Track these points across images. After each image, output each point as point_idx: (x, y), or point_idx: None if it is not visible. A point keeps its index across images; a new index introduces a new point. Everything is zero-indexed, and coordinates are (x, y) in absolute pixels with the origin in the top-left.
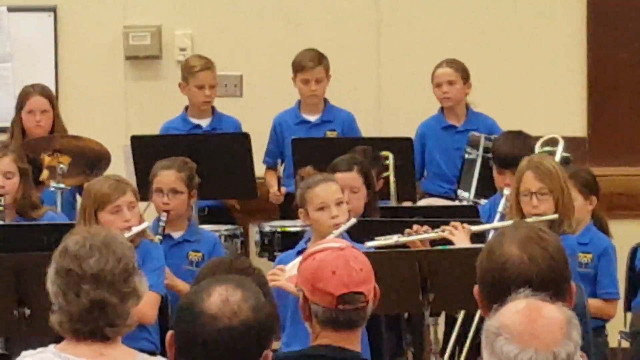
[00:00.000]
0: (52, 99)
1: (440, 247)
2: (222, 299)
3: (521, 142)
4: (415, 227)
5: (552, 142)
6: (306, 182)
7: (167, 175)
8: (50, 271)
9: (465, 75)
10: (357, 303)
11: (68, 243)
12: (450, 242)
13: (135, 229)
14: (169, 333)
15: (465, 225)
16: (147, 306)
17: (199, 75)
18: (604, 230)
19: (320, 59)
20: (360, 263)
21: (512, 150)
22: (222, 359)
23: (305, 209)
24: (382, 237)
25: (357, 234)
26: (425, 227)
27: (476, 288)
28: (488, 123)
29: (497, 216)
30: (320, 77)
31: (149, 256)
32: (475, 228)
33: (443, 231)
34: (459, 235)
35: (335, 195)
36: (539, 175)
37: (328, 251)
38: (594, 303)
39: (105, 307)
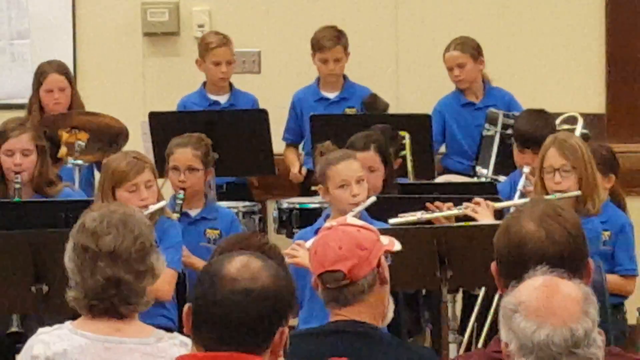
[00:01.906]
0: (70, 76)
1: (459, 224)
2: (243, 264)
3: (543, 122)
4: (437, 203)
5: (572, 120)
6: (327, 158)
7: (183, 153)
8: (68, 247)
9: (475, 53)
10: (337, 282)
11: (86, 219)
12: (473, 219)
13: (152, 207)
14: (186, 306)
15: (489, 202)
16: (163, 283)
17: (216, 51)
18: (621, 207)
19: (338, 37)
20: (340, 241)
21: (533, 129)
22: (238, 323)
23: (326, 185)
24: (406, 214)
25: (376, 211)
26: (448, 204)
27: (493, 265)
28: (506, 98)
29: (517, 194)
30: (339, 56)
31: (166, 233)
32: (498, 205)
33: (466, 208)
34: (483, 212)
35: (357, 173)
36: (563, 151)
37: (320, 233)
38: (612, 280)
39: (120, 284)
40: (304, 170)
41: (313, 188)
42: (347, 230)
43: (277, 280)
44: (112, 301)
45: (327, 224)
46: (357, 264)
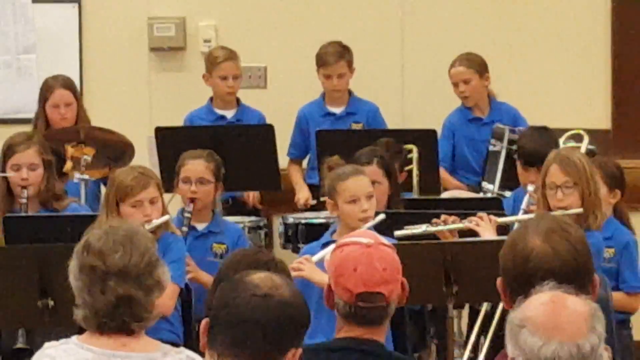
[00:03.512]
0: (76, 91)
1: (463, 240)
2: (266, 276)
3: (546, 139)
4: (443, 217)
5: (577, 137)
6: (336, 173)
7: (195, 165)
8: (73, 267)
9: (480, 68)
10: (376, 302)
11: (90, 238)
12: (477, 234)
13: (155, 222)
14: (204, 320)
15: (492, 216)
16: (164, 297)
17: (222, 65)
18: (625, 223)
19: (342, 53)
20: (385, 262)
21: (537, 147)
22: (254, 325)
23: (334, 200)
24: (411, 227)
25: (381, 225)
26: (454, 218)
27: (499, 280)
28: (512, 113)
29: (521, 213)
30: (342, 72)
31: (170, 248)
32: (502, 220)
33: (470, 222)
34: (485, 227)
35: (367, 189)
36: (565, 168)
37: (356, 246)
38: (617, 297)
39: (131, 302)
40: (310, 202)
41: (322, 199)
42: (387, 251)
43: (297, 296)
44: (123, 319)
45: (351, 238)
46: (395, 289)
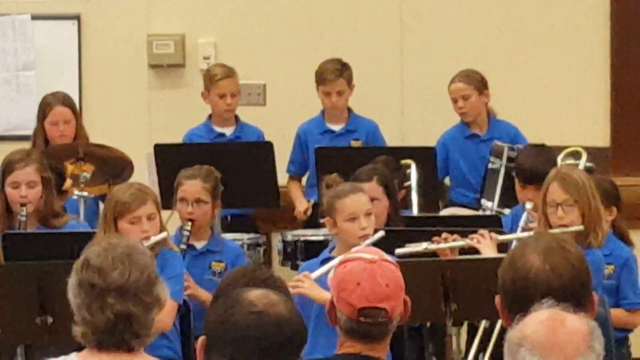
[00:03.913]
0: (74, 108)
1: (463, 257)
2: (263, 293)
3: (544, 157)
4: (444, 235)
5: (576, 154)
6: (335, 191)
7: (192, 185)
8: (72, 284)
9: (480, 85)
10: (378, 318)
11: (89, 255)
12: (478, 251)
13: (154, 239)
14: (201, 338)
15: (493, 234)
16: (163, 314)
17: (221, 83)
18: (624, 239)
19: (341, 70)
20: (388, 279)
21: (535, 165)
22: (251, 344)
23: (333, 218)
24: (411, 245)
25: (381, 243)
26: (455, 236)
27: (497, 298)
28: (511, 131)
29: (519, 230)
30: (341, 89)
31: (167, 264)
32: (502, 237)
33: (470, 239)
34: (486, 244)
35: (365, 207)
36: (565, 186)
37: (359, 261)
38: (616, 313)
39: (130, 319)
40: (309, 212)
41: (321, 221)
42: (391, 268)
43: (293, 314)
44: (122, 336)
45: (355, 254)
46: (397, 305)
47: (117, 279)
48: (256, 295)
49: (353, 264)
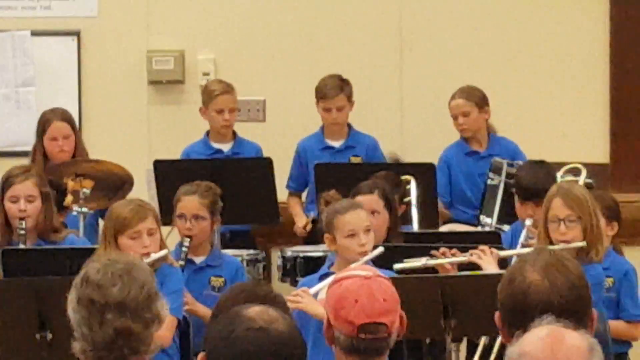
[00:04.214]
0: (73, 123)
1: (464, 273)
2: (262, 309)
3: (544, 173)
4: (443, 250)
5: (575, 170)
6: (334, 207)
7: (190, 201)
8: (72, 299)
9: (480, 102)
10: (378, 333)
11: (89, 271)
12: (477, 267)
13: (154, 256)
14: (201, 354)
15: (494, 250)
16: (163, 329)
17: (218, 99)
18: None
19: (341, 86)
20: (385, 293)
21: (535, 181)
22: None
23: (333, 234)
24: (410, 260)
25: (380, 258)
26: (454, 251)
27: (497, 314)
28: (511, 147)
29: (519, 247)
30: (341, 105)
31: (168, 280)
32: (503, 253)
33: (471, 255)
34: (487, 260)
35: (365, 223)
36: (568, 202)
37: (354, 279)
38: (617, 325)
39: (130, 335)
40: (308, 227)
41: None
42: (386, 283)
43: (293, 330)
44: (121, 352)
45: (349, 272)
46: (395, 320)
47: (116, 295)
48: (256, 312)
49: (348, 281)
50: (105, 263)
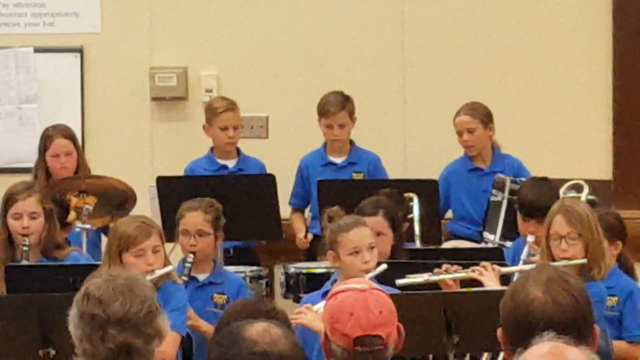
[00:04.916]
0: (75, 140)
1: (465, 290)
2: (264, 328)
3: (547, 190)
4: (445, 266)
5: (577, 187)
6: (338, 224)
7: (193, 217)
8: (73, 315)
9: (485, 119)
10: (374, 346)
11: (90, 287)
12: (479, 283)
13: (159, 272)
14: None
15: (495, 266)
16: (167, 346)
17: (222, 116)
18: (630, 272)
19: (343, 103)
20: (380, 305)
21: (537, 198)
22: None
23: (336, 251)
24: (412, 276)
25: (383, 275)
26: (456, 267)
27: (499, 331)
28: (515, 164)
29: (520, 263)
30: (344, 122)
31: (171, 296)
32: (505, 270)
33: (473, 271)
34: (489, 276)
35: (368, 240)
36: (569, 219)
37: (350, 292)
38: (619, 346)
39: (131, 350)
40: (309, 236)
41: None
42: (382, 295)
43: (294, 348)
44: None
45: (344, 285)
46: (392, 331)
47: (117, 310)
48: (257, 332)
49: (344, 295)
50: (107, 279)
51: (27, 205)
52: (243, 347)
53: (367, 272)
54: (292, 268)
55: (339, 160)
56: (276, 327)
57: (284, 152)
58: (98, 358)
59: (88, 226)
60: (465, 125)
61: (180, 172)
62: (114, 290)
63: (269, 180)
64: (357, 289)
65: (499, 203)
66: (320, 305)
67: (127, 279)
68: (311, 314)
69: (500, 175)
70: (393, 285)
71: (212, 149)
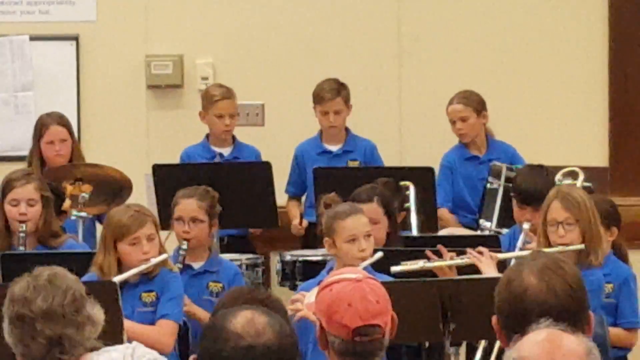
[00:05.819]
0: (70, 127)
1: (461, 277)
2: (248, 319)
3: (542, 178)
4: (439, 246)
5: (573, 174)
6: (334, 211)
7: (188, 204)
8: (5, 324)
9: (478, 107)
10: (373, 335)
11: (14, 290)
12: (477, 271)
13: (154, 260)
14: (192, 357)
15: (492, 253)
16: (164, 335)
17: (219, 104)
18: (624, 259)
19: (339, 90)
20: (376, 295)
21: (533, 186)
22: None
23: (332, 238)
24: (408, 262)
25: (379, 263)
26: (452, 253)
27: (494, 318)
28: (509, 151)
29: (517, 250)
30: (339, 108)
31: (168, 285)
32: (501, 256)
33: (469, 257)
34: (487, 263)
35: (365, 228)
36: (566, 205)
37: (345, 282)
38: (615, 332)
39: (62, 341)
40: (305, 223)
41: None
42: (377, 284)
43: (281, 336)
44: (60, 358)
45: (337, 276)
46: (388, 320)
47: (41, 305)
48: (241, 324)
49: (339, 285)
50: (28, 279)
51: (24, 192)
52: (227, 342)
53: (364, 259)
54: (288, 256)
55: (334, 148)
56: (262, 315)
57: (279, 140)
58: (34, 356)
59: (84, 214)
60: (458, 113)
61: (175, 160)
62: (36, 287)
63: (265, 168)
64: (352, 279)
65: (495, 190)
66: (312, 292)
67: (48, 275)
68: (307, 302)
69: (497, 163)
70: (388, 272)
71: (207, 136)
